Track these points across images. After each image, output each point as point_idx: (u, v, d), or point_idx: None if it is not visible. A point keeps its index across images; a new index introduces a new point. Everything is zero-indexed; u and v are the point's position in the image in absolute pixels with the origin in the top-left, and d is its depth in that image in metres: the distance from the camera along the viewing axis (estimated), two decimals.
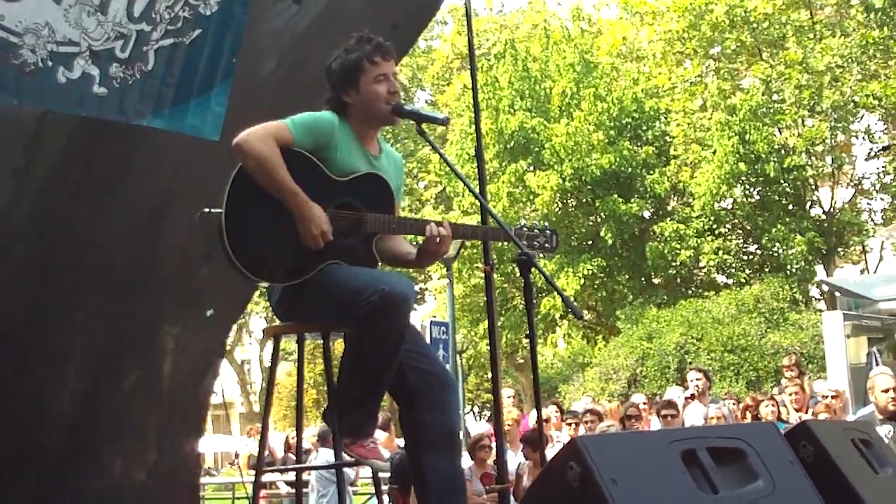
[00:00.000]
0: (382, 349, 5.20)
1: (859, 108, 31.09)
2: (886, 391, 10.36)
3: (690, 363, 22.22)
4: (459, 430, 5.85)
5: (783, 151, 31.33)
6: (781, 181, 32.11)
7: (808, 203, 33.21)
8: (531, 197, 33.35)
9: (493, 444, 9.86)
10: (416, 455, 5.44)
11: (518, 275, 5.48)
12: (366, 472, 11.66)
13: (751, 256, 33.89)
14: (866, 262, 36.27)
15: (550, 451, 6.17)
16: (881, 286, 22.55)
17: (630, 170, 32.67)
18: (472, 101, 8.57)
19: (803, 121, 31.76)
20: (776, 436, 4.46)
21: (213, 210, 5.25)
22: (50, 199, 7.26)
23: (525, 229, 5.79)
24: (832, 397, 13.24)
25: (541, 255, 5.86)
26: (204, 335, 8.59)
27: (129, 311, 7.73)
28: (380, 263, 5.62)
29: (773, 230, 30.95)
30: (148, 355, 8.11)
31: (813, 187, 33.08)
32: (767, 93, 31.27)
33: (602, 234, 32.28)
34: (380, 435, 8.97)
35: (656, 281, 34.53)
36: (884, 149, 33.13)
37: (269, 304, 5.93)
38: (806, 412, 13.28)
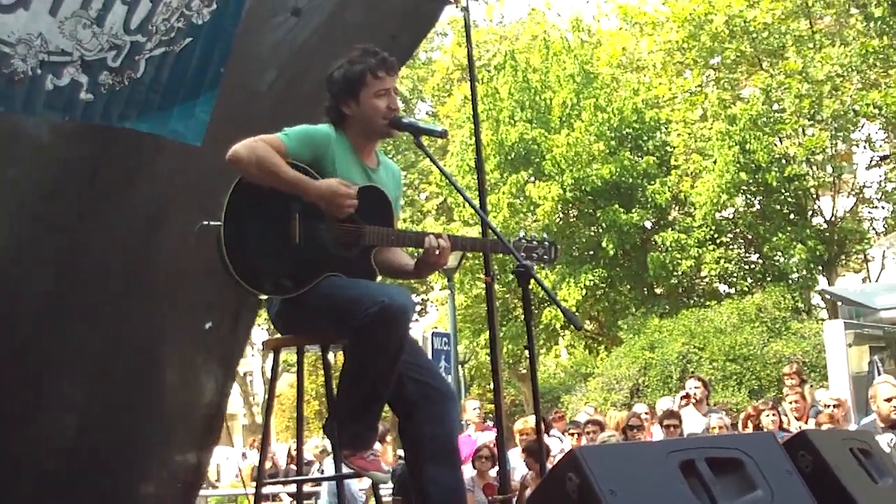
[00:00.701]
0: (381, 361, 5.21)
1: (860, 117, 31.00)
2: (889, 400, 10.36)
3: (693, 372, 22.17)
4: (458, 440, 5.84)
5: (784, 161, 31.28)
6: (782, 190, 32.07)
7: (810, 212, 33.13)
8: (532, 208, 33.34)
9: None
10: (417, 467, 5.45)
11: (518, 285, 5.47)
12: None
13: (752, 266, 33.82)
14: (868, 271, 36.20)
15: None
16: (883, 295, 22.51)
17: (631, 180, 32.63)
18: (472, 113, 8.59)
19: (804, 130, 31.70)
20: (774, 445, 4.47)
21: (211, 223, 5.26)
22: (50, 207, 7.27)
23: (524, 241, 5.80)
24: (834, 406, 13.24)
25: (540, 266, 5.87)
26: (204, 348, 8.59)
27: (126, 318, 7.74)
28: (379, 276, 5.63)
29: (775, 239, 30.89)
30: (146, 365, 8.12)
31: (814, 196, 33.02)
32: (768, 102, 31.22)
33: (603, 244, 32.23)
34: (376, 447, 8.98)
35: (658, 291, 34.48)
36: (884, 158, 33.11)
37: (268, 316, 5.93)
38: (806, 421, 13.29)
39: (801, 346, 24.45)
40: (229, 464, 27.12)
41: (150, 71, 6.36)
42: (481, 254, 6.65)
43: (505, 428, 8.26)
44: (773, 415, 13.22)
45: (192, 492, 9.00)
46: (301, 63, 7.62)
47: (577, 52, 35.28)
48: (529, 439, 13.72)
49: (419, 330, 36.27)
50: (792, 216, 32.81)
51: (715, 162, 30.74)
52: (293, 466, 18.43)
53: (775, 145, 31.56)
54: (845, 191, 33.87)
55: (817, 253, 30.61)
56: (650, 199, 32.45)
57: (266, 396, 7.72)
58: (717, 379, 23.72)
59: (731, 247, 33.58)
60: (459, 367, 27.83)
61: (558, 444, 14.60)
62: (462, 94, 40.04)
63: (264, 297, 5.68)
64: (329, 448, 9.09)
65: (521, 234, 5.87)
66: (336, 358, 6.55)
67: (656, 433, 13.69)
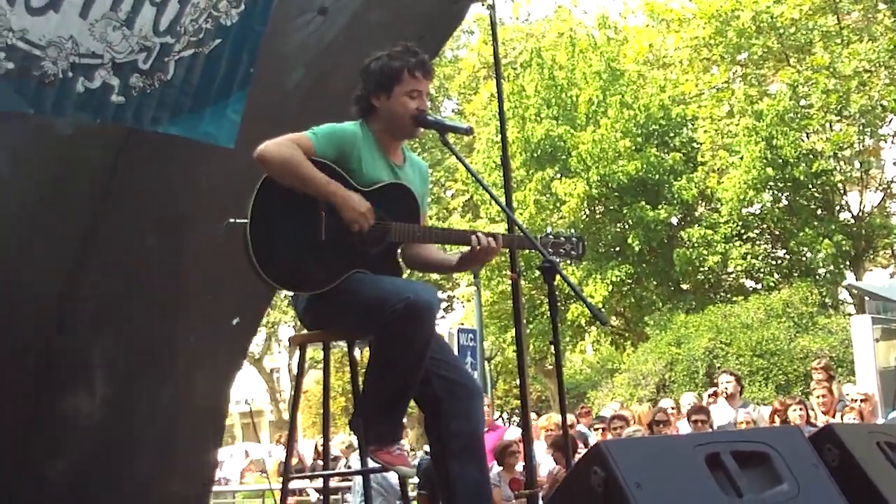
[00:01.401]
0: (407, 357, 5.23)
1: (887, 112, 30.87)
2: None
3: (719, 368, 22.13)
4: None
5: (811, 156, 31.17)
6: (809, 186, 31.97)
7: (837, 207, 33.02)
8: (558, 204, 33.27)
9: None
10: (443, 463, 5.46)
11: (545, 281, 5.48)
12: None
13: (779, 261, 33.69)
14: None
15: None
16: None
17: (657, 176, 32.56)
18: (498, 110, 8.60)
19: (831, 125, 31.60)
20: (801, 439, 4.47)
21: (238, 220, 5.28)
22: (77, 210, 7.30)
23: (551, 236, 5.80)
24: (861, 401, 13.20)
25: (567, 261, 5.88)
26: (228, 344, 8.64)
27: (155, 321, 7.78)
28: (405, 272, 5.65)
29: (802, 235, 30.81)
30: (175, 366, 8.16)
31: (841, 191, 32.90)
32: (794, 98, 31.12)
33: (630, 240, 32.21)
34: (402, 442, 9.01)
35: (684, 287, 34.38)
36: None
37: (295, 313, 5.96)
38: (833, 416, 13.25)
39: (829, 342, 24.35)
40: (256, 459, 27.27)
41: (180, 73, 6.39)
42: (507, 251, 6.64)
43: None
44: (801, 410, 13.20)
45: (209, 488, 9.08)
46: (328, 61, 7.65)
47: (603, 49, 35.17)
48: (554, 434, 13.72)
49: (445, 326, 36.32)
50: (819, 211, 32.71)
51: (741, 158, 30.66)
52: (320, 462, 18.48)
53: (802, 141, 31.45)
54: (873, 186, 33.73)
55: (844, 248, 30.50)
56: (676, 196, 32.38)
57: (293, 392, 7.73)
58: (744, 374, 23.58)
59: (757, 242, 33.44)
60: (485, 363, 27.81)
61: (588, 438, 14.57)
62: (488, 92, 39.98)
63: (291, 293, 5.71)
64: (355, 443, 9.13)
65: (549, 229, 5.88)
66: (362, 354, 6.58)
67: (682, 428, 13.66)
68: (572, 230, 6.16)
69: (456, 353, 18.48)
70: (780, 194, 32.62)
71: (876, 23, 31.44)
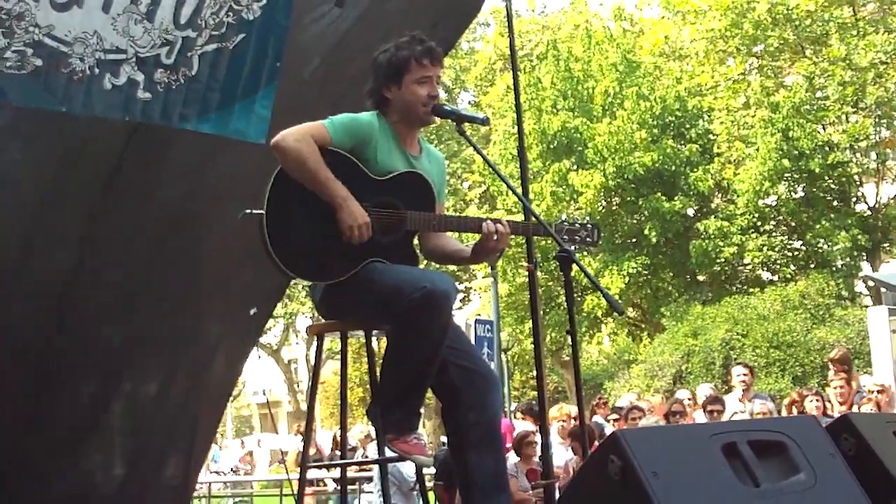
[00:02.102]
0: (424, 346, 5.23)
1: None
2: None
3: (736, 359, 22.12)
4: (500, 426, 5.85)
5: (827, 148, 31.17)
6: (825, 177, 31.97)
7: (853, 199, 33.00)
8: (575, 196, 33.29)
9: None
10: (460, 453, 5.46)
11: (561, 271, 5.48)
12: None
13: (795, 253, 33.67)
14: None
15: None
16: None
17: (673, 168, 32.56)
18: (514, 102, 8.61)
19: (847, 117, 31.58)
20: (817, 429, 4.47)
21: (254, 210, 5.29)
22: (88, 202, 7.30)
23: (566, 224, 5.80)
24: (878, 392, 13.17)
25: (583, 249, 5.89)
26: (243, 333, 8.67)
27: (172, 311, 7.80)
28: (422, 262, 5.66)
29: (818, 226, 30.81)
30: (194, 356, 8.18)
31: (857, 183, 32.88)
32: (811, 90, 31.10)
33: (646, 232, 32.22)
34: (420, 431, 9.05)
35: (701, 278, 34.38)
36: None
37: (313, 303, 5.97)
38: (850, 407, 13.23)
39: (845, 333, 24.34)
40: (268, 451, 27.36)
41: (205, 69, 6.38)
42: (524, 242, 6.64)
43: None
44: (818, 401, 13.17)
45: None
46: (344, 51, 7.64)
47: (619, 41, 35.15)
48: (567, 425, 13.75)
49: (462, 317, 36.29)
50: (835, 203, 32.71)
51: (758, 149, 30.65)
52: (338, 452, 18.51)
53: (818, 132, 31.43)
54: (889, 178, 33.66)
55: (860, 240, 30.46)
56: (693, 187, 32.37)
57: (310, 383, 7.74)
58: (761, 366, 23.64)
59: (774, 234, 33.43)
60: (502, 354, 27.83)
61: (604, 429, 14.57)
62: (504, 84, 39.94)
63: (307, 283, 5.72)
64: (373, 434, 9.17)
65: (563, 217, 5.89)
66: (379, 344, 6.59)
67: (699, 419, 13.65)
68: (587, 218, 6.15)
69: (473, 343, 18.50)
70: (796, 186, 32.64)
71: (892, 14, 31.43)
